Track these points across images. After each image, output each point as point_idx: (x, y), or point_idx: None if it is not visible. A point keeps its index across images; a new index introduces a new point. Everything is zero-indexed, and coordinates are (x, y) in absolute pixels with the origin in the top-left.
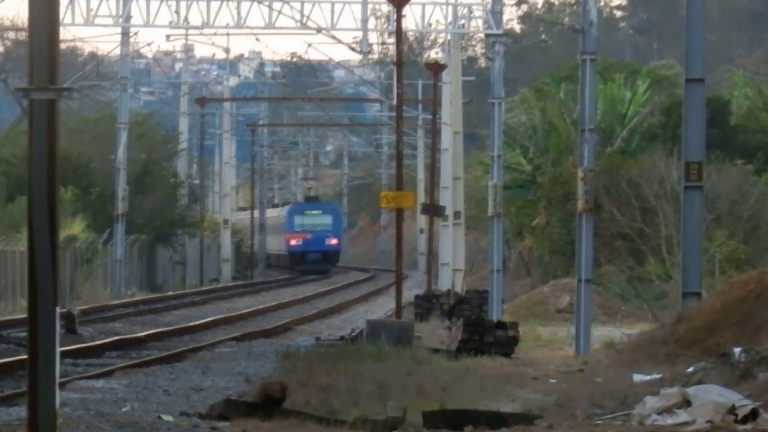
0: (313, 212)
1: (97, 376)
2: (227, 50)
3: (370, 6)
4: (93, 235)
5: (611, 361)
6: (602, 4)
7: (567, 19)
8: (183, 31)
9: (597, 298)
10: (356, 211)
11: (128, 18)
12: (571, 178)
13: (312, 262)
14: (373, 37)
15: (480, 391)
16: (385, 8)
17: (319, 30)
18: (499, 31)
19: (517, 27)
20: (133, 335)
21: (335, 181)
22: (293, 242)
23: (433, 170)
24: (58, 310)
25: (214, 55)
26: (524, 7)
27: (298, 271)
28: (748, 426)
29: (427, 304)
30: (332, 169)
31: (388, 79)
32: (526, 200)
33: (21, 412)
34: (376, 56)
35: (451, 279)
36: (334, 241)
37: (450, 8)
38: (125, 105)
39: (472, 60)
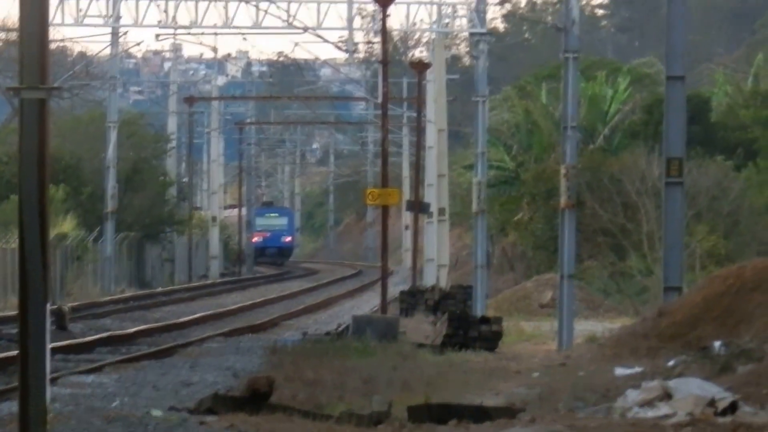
0: (272, 215)
1: (87, 372)
2: (215, 50)
3: (355, 5)
4: (83, 233)
5: (593, 355)
6: (584, 3)
7: (550, 17)
8: (171, 31)
9: (579, 293)
10: (342, 208)
11: (117, 18)
12: (554, 175)
13: (270, 255)
14: (358, 36)
15: (464, 386)
16: (371, 7)
17: (305, 29)
18: (483, 30)
19: (500, 26)
20: (123, 331)
21: (322, 178)
22: (255, 239)
23: (417, 167)
24: (48, 306)
25: (202, 54)
26: (508, 6)
27: (258, 263)
28: (728, 418)
29: (412, 299)
30: (319, 166)
31: (373, 78)
32: (509, 197)
33: (12, 407)
34: (361, 55)
35: (435, 275)
36: (288, 239)
37: (435, 7)
38: (115, 104)
39: (456, 58)
